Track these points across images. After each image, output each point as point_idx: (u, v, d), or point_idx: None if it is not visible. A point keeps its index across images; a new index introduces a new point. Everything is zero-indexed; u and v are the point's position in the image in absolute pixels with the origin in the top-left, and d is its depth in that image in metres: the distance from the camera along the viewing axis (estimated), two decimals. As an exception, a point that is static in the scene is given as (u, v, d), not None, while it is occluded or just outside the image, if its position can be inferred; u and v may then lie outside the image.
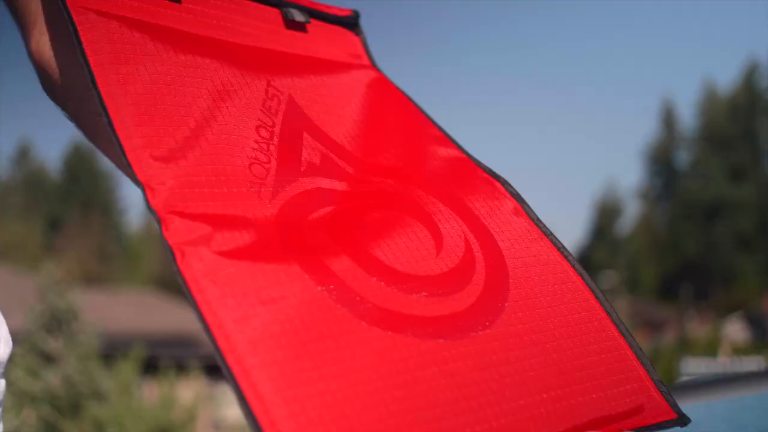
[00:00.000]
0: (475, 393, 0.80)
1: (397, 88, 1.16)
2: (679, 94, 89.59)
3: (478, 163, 1.09)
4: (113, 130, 0.83)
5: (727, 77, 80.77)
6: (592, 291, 0.99)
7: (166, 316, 22.72)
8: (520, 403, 0.82)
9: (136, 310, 22.92)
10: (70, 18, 0.88)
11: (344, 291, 0.81)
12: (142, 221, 51.66)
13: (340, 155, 0.99)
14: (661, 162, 60.20)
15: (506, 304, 0.90)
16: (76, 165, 47.30)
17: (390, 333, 0.79)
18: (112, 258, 44.26)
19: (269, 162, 0.91)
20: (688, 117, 68.31)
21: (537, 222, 1.04)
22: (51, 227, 44.62)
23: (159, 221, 0.80)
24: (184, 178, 0.84)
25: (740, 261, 52.25)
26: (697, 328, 41.50)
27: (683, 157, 59.73)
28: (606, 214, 58.26)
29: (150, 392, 18.71)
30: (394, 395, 0.75)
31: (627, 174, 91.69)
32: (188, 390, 18.67)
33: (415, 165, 1.04)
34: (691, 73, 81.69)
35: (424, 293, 0.85)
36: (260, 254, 0.81)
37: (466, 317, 0.86)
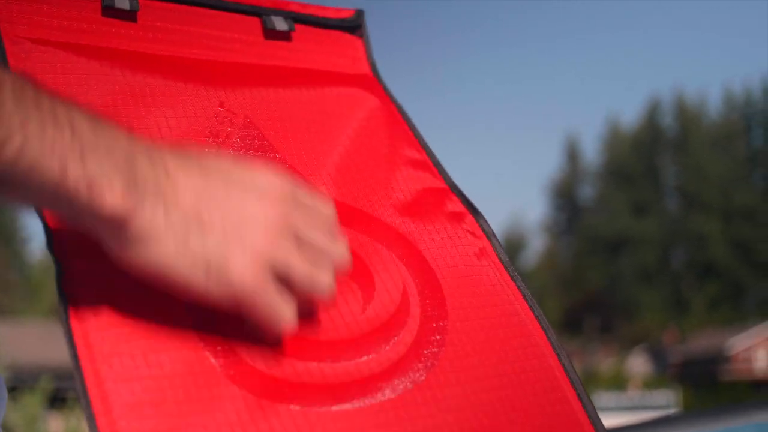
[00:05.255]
0: None
1: (390, 100, 1.08)
2: (583, 129, 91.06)
3: (456, 192, 1.01)
4: None
5: (630, 113, 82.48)
6: (551, 344, 0.91)
7: (73, 348, 22.24)
8: None
9: (42, 342, 22.43)
10: (2, 49, 0.83)
11: (234, 359, 0.75)
12: (44, 251, 50.58)
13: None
14: (565, 197, 61.06)
15: (436, 363, 0.83)
16: (-23, 192, 46.20)
17: (288, 406, 0.73)
18: (13, 288, 43.29)
19: None
20: (591, 152, 69.42)
21: (505, 265, 0.96)
22: (-50, 256, 43.56)
23: (61, 269, 0.73)
24: None
25: (643, 295, 53.16)
26: (602, 361, 42.06)
27: (587, 192, 60.71)
28: (510, 248, 58.84)
29: (56, 425, 18.33)
30: None
31: (531, 208, 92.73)
32: (97, 423, 18.33)
33: (377, 198, 0.96)
34: (596, 109, 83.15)
35: (340, 360, 0.79)
36: (154, 312, 0.74)
37: (383, 379, 0.79)
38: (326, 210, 0.79)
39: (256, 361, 0.75)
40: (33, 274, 46.12)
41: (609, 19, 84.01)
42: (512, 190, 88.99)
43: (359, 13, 1.12)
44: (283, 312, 0.73)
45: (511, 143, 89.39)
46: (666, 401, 25.70)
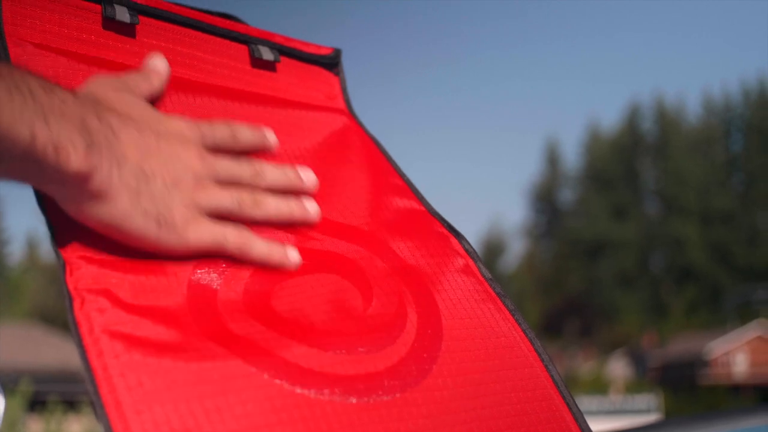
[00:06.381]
0: None
1: (365, 133, 1.12)
2: (563, 133, 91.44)
3: (437, 216, 1.04)
4: None
5: (610, 118, 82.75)
6: (539, 356, 0.93)
7: (53, 351, 22.20)
8: None
9: (21, 344, 22.34)
10: (5, 51, 0.84)
11: (247, 347, 0.75)
12: (24, 253, 50.56)
13: None
14: (545, 200, 61.29)
15: (433, 367, 0.84)
16: (-44, 194, 46.14)
17: (294, 389, 0.74)
18: (-9, 290, 43.12)
19: None
20: (572, 156, 69.74)
21: (490, 282, 0.98)
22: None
23: (64, 264, 0.75)
24: None
25: (622, 298, 53.37)
26: (581, 365, 42.22)
27: (567, 196, 60.95)
28: (491, 251, 59.08)
29: (37, 429, 18.26)
30: None
31: (511, 211, 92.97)
32: (77, 426, 18.26)
33: (363, 217, 0.99)
34: (576, 113, 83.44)
35: (340, 351, 0.80)
36: (163, 310, 0.75)
37: (383, 378, 0.80)
38: (245, 137, 0.88)
39: (272, 347, 0.76)
40: (12, 276, 45.97)
41: (589, 22, 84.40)
42: (492, 193, 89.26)
43: (337, 52, 1.15)
44: (252, 245, 0.81)
45: (491, 147, 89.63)
46: (647, 405, 25.78)
